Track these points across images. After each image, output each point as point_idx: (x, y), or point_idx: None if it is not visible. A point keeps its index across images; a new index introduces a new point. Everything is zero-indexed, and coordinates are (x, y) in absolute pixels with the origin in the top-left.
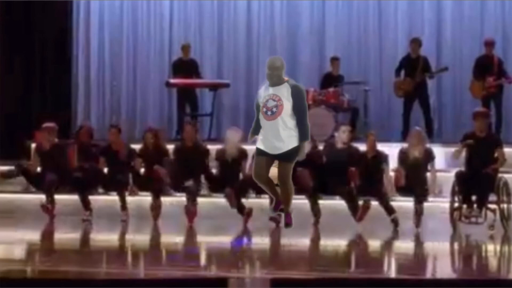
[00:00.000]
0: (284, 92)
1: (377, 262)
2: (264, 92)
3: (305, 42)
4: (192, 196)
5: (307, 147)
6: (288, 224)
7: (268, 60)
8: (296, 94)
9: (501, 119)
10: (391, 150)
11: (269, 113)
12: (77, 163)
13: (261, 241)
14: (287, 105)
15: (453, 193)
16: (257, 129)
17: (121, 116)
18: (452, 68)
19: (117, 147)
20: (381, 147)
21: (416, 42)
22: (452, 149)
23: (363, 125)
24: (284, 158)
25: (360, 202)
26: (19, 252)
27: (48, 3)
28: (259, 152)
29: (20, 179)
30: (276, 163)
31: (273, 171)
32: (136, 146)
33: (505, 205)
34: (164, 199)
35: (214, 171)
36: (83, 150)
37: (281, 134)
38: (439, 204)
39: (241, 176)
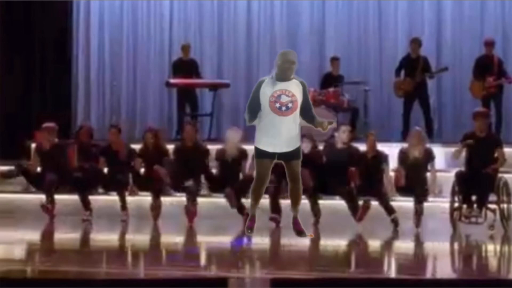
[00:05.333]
0: (296, 88)
1: (377, 262)
2: (271, 87)
3: (305, 42)
4: (192, 196)
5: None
6: (301, 232)
7: (284, 53)
8: (306, 91)
9: (501, 119)
10: (391, 150)
11: (283, 108)
12: (77, 163)
13: (261, 241)
14: (299, 101)
15: (453, 193)
16: (255, 117)
17: (121, 116)
18: (452, 68)
19: (117, 147)
20: (381, 147)
21: (416, 42)
22: (452, 149)
23: (363, 125)
24: (294, 156)
25: (360, 202)
26: (19, 252)
27: (48, 3)
28: (263, 154)
29: (20, 179)
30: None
31: None
32: (136, 146)
33: (505, 205)
34: (164, 199)
35: (214, 171)
36: (83, 150)
37: (292, 132)
38: (439, 204)
39: (241, 176)
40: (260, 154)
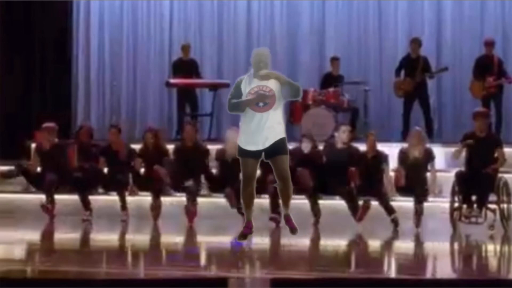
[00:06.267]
0: (273, 82)
1: (377, 262)
2: (249, 84)
3: (305, 42)
4: (192, 196)
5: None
6: (293, 229)
7: (257, 52)
8: (281, 78)
9: (501, 119)
10: (391, 150)
11: (261, 104)
12: (77, 163)
13: (261, 241)
14: (277, 95)
15: (453, 193)
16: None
17: (121, 116)
18: (452, 68)
19: (117, 147)
20: (381, 147)
21: (416, 42)
22: (452, 149)
23: (363, 125)
24: (279, 151)
25: (360, 202)
26: (19, 252)
27: (48, 3)
28: (246, 153)
29: (20, 179)
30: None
31: None
32: (136, 146)
33: (505, 205)
34: (164, 199)
35: (214, 171)
36: (83, 150)
37: (272, 126)
38: (439, 204)
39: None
40: (243, 153)
